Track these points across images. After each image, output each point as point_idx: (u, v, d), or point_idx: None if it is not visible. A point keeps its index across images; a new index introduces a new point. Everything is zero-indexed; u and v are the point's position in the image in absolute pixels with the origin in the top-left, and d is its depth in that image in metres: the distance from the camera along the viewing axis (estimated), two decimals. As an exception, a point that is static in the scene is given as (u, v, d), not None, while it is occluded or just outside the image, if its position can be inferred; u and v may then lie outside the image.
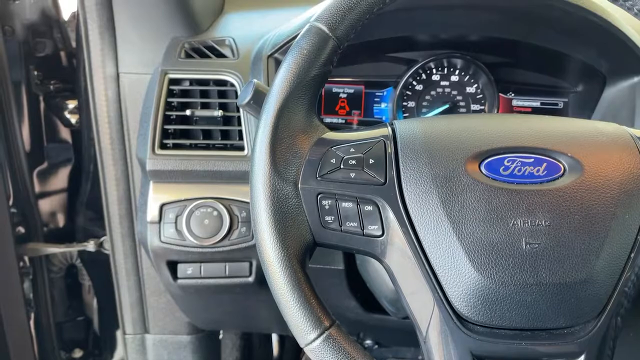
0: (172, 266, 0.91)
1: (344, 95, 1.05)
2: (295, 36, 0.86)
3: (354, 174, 0.58)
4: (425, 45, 1.00)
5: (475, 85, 1.04)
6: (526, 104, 1.04)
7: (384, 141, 0.60)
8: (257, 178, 0.58)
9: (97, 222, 1.23)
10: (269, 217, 0.57)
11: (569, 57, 0.96)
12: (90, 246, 1.20)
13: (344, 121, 1.05)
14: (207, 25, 1.03)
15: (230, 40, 0.97)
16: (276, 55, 0.89)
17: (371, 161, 0.58)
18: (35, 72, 1.14)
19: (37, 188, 1.21)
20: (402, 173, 0.57)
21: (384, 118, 1.05)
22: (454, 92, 1.04)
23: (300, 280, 0.56)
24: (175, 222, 0.87)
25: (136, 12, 0.96)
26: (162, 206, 0.88)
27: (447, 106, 1.03)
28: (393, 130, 0.61)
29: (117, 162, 1.07)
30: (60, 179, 1.24)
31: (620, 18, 0.83)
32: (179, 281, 0.92)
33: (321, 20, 0.60)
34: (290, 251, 0.57)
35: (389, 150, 0.59)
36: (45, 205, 1.23)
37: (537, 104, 1.04)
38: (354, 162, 0.58)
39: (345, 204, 0.58)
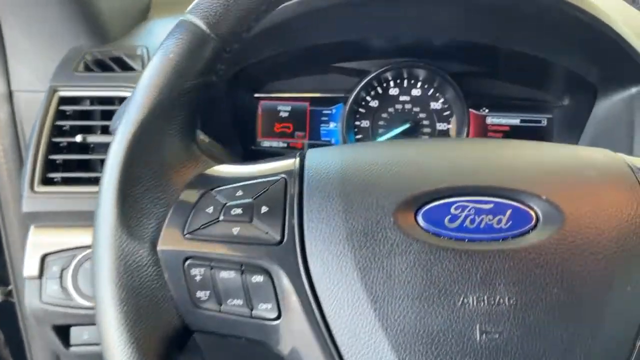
0: (63, 331, 0.73)
1: (285, 114, 0.88)
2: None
3: (238, 229, 0.41)
4: (379, 52, 0.84)
5: (442, 100, 0.87)
6: (503, 121, 0.87)
7: (286, 180, 0.43)
8: (99, 236, 0.40)
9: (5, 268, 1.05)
10: (114, 294, 0.39)
11: (552, 65, 0.79)
12: (-3, 295, 1.02)
13: (285, 145, 0.88)
14: (119, 33, 0.86)
15: (143, 49, 0.80)
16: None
17: (264, 209, 0.41)
18: None
19: None
20: (305, 227, 0.40)
21: (333, 140, 0.88)
22: (416, 109, 0.87)
23: None
24: (61, 277, 0.69)
25: (27, 16, 0.79)
26: (43, 257, 0.70)
27: (407, 125, 0.86)
28: (301, 164, 0.44)
29: (17, 198, 0.89)
30: (-37, 216, 1.06)
31: (613, 14, 0.66)
32: (73, 349, 0.73)
33: (196, 12, 0.43)
34: (144, 346, 0.39)
35: (292, 192, 0.42)
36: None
37: (516, 121, 0.87)
38: (239, 211, 0.41)
39: (224, 274, 0.40)
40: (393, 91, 0.87)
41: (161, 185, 0.42)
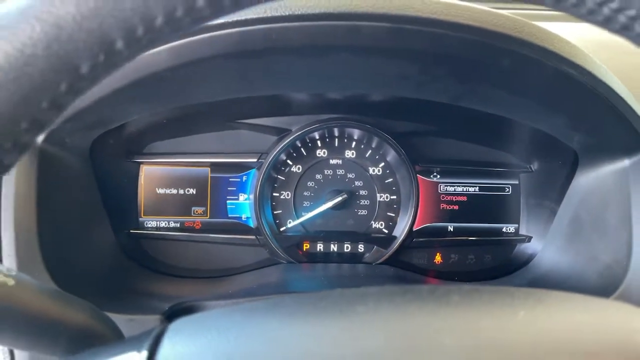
0: None
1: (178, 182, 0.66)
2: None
3: None
4: (303, 107, 0.64)
5: (382, 164, 0.68)
6: (459, 189, 0.69)
7: None
8: None
9: None
10: None
11: (520, 126, 0.62)
12: None
13: (177, 225, 0.66)
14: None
15: None
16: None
17: None
18: None
19: None
20: None
21: (243, 217, 0.67)
22: (351, 175, 0.68)
23: None
24: None
25: None
26: None
27: (340, 198, 0.66)
28: None
29: None
30: None
31: (607, 69, 0.50)
32: None
33: None
34: None
35: None
36: None
37: (474, 189, 0.69)
38: None
39: None
40: (321, 153, 0.67)
41: None
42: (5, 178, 0.48)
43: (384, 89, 0.55)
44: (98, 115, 0.50)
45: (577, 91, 0.50)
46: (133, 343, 0.27)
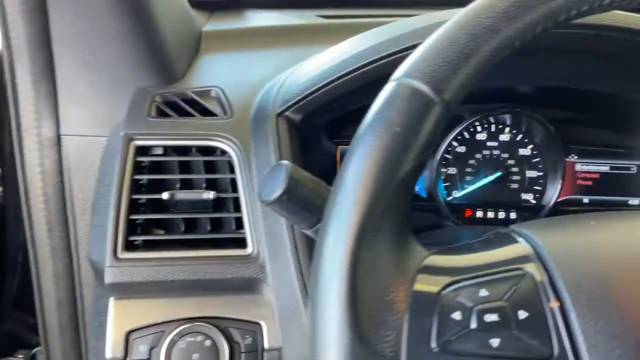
0: None
1: (366, 161, 0.81)
2: (320, 89, 0.62)
3: (498, 342, 0.33)
4: (470, 98, 0.78)
5: (531, 146, 0.82)
6: (592, 168, 0.83)
7: (532, 276, 0.36)
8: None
9: (29, 328, 0.92)
10: None
11: None
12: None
13: (366, 194, 0.81)
14: (182, 71, 0.77)
15: (218, 91, 0.71)
16: (289, 113, 0.64)
17: (523, 315, 0.34)
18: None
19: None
20: (579, 337, 0.33)
21: (418, 189, 0.81)
22: (505, 155, 0.82)
23: None
24: (150, 359, 0.59)
25: (84, 52, 0.69)
26: (128, 334, 0.60)
27: (498, 174, 0.81)
28: (538, 254, 0.37)
29: (56, 254, 0.77)
30: (-23, 271, 0.93)
31: None
32: None
33: (418, 75, 0.36)
34: None
35: (545, 291, 0.35)
36: (-45, 308, 0.91)
37: (605, 168, 0.83)
38: (494, 317, 0.34)
39: None
40: (480, 136, 0.82)
41: (390, 288, 0.35)
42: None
43: (570, 82, 0.69)
44: (345, 102, 0.65)
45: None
46: (504, 236, 0.41)
